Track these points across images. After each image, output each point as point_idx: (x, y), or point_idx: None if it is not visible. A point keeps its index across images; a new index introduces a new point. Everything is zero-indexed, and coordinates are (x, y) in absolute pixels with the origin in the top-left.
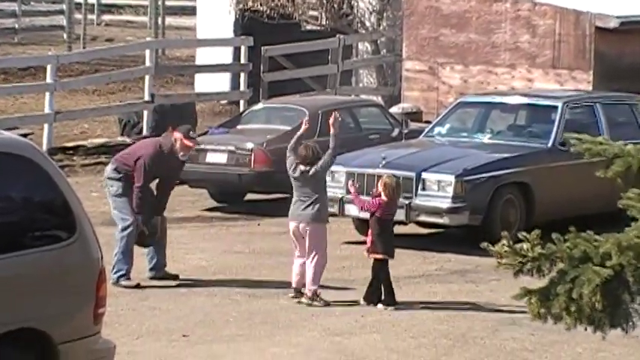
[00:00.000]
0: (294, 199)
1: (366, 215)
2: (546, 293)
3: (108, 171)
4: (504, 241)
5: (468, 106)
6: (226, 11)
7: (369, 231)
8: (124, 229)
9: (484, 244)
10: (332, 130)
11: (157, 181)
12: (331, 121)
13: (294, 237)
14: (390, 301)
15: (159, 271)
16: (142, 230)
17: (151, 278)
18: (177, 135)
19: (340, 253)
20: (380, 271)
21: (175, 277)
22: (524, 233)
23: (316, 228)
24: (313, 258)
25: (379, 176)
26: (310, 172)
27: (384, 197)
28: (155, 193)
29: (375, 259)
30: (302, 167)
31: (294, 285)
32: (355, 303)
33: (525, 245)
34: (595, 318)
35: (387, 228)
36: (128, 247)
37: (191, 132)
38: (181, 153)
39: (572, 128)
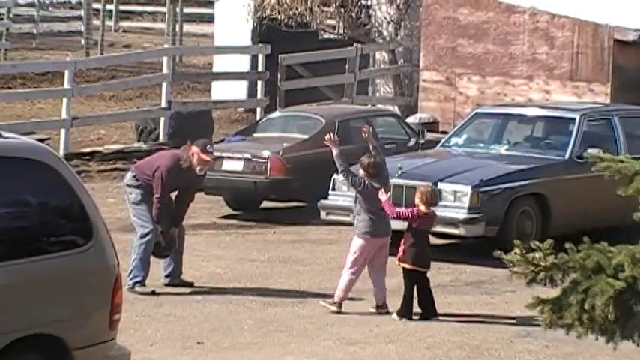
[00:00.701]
0: (367, 216)
1: (398, 226)
2: (559, 303)
3: (127, 178)
4: (517, 250)
5: (484, 117)
6: (244, 19)
7: (403, 240)
8: (143, 236)
9: (497, 253)
10: (370, 145)
11: (176, 191)
12: (365, 136)
13: (371, 252)
14: (406, 312)
15: (174, 279)
16: (158, 241)
17: (167, 285)
18: (195, 149)
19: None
20: (406, 280)
21: (190, 285)
22: (537, 242)
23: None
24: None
25: (396, 186)
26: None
27: (422, 208)
28: (174, 203)
29: (404, 269)
30: (375, 179)
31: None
32: (369, 312)
33: (538, 254)
34: (607, 328)
35: (421, 239)
36: (146, 255)
37: (208, 146)
38: (198, 167)
39: (589, 141)
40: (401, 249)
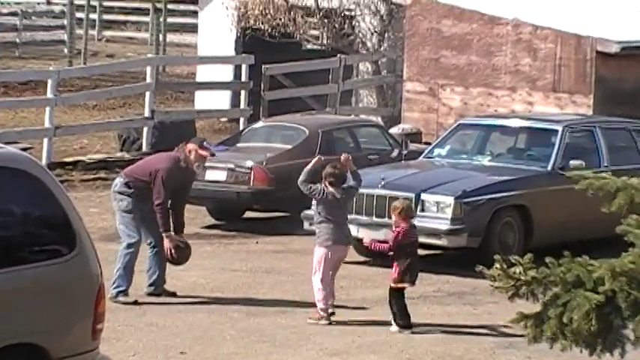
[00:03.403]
0: (333, 225)
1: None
2: (540, 317)
3: (117, 185)
4: (497, 265)
5: (467, 128)
6: (228, 29)
7: (395, 263)
8: (129, 246)
9: (479, 268)
10: (349, 170)
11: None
12: (343, 162)
13: (340, 262)
14: (408, 323)
15: (158, 287)
16: (176, 244)
17: (150, 294)
18: (192, 146)
19: (338, 273)
20: (400, 298)
21: (173, 295)
22: (517, 257)
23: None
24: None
25: (379, 197)
26: (346, 192)
27: (401, 224)
28: (171, 212)
29: (398, 289)
30: (337, 188)
31: (331, 307)
32: (353, 323)
33: (518, 269)
34: (589, 341)
35: (413, 255)
36: (130, 264)
37: (205, 142)
38: (196, 163)
39: (572, 152)
40: (395, 271)
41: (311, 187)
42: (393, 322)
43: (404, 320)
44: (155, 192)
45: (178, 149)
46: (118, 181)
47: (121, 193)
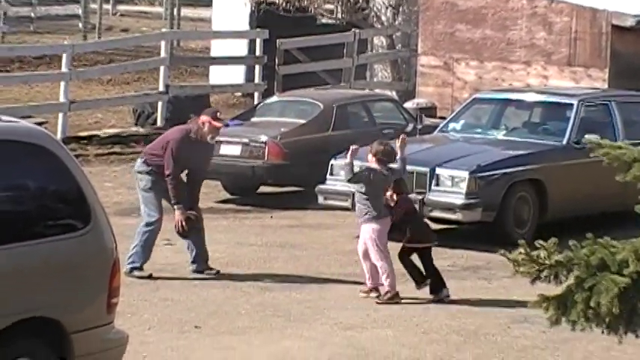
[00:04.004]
0: (375, 202)
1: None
2: (564, 301)
3: (137, 164)
4: (521, 249)
5: (482, 103)
6: (242, 3)
7: (408, 231)
8: (149, 224)
9: (500, 252)
10: (400, 152)
11: (186, 173)
12: (399, 144)
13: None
14: (441, 283)
15: (199, 265)
16: (187, 216)
17: (194, 271)
18: (205, 118)
19: (353, 247)
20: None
21: (217, 273)
22: (541, 241)
23: None
24: None
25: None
26: (392, 171)
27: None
28: (186, 185)
29: (416, 249)
30: (383, 166)
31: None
32: (366, 298)
33: (542, 253)
34: (612, 323)
35: (417, 213)
36: (148, 243)
37: (218, 113)
38: (210, 135)
39: (587, 126)
40: (413, 234)
41: (358, 177)
42: (442, 287)
43: (439, 282)
44: (165, 163)
45: (191, 121)
46: (138, 160)
47: (140, 172)
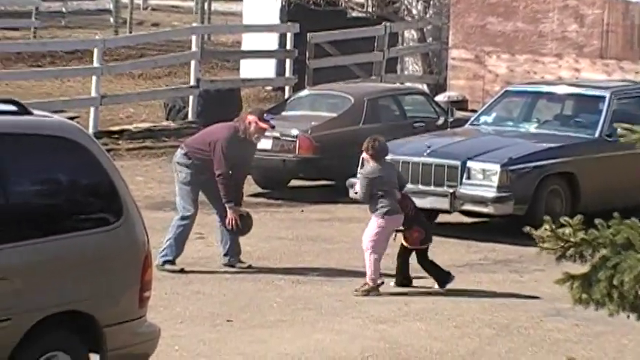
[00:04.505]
0: (390, 198)
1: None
2: (588, 279)
3: (178, 156)
4: (547, 226)
5: (514, 96)
6: None
7: (413, 229)
8: (183, 218)
9: (526, 228)
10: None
11: (231, 171)
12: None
13: (391, 231)
14: (445, 276)
15: (232, 258)
16: (241, 214)
17: (225, 265)
18: (252, 117)
19: None
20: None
21: (249, 267)
22: (567, 218)
23: None
24: None
25: (424, 164)
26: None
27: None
28: (232, 182)
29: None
30: (378, 161)
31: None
32: (398, 291)
33: (568, 230)
34: (637, 306)
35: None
36: (182, 237)
37: (265, 114)
38: (255, 135)
39: (619, 119)
40: (416, 234)
41: (367, 188)
42: (436, 282)
43: (443, 275)
44: (215, 162)
45: (238, 119)
46: (179, 152)
47: (180, 164)
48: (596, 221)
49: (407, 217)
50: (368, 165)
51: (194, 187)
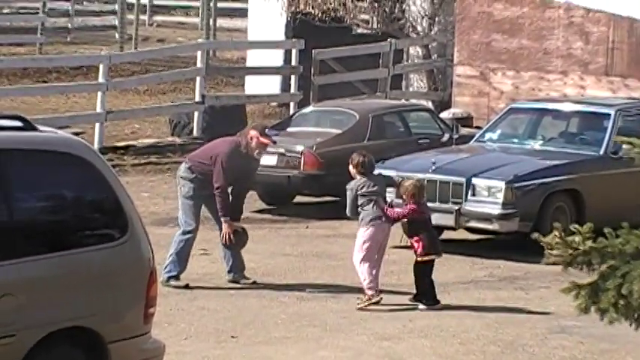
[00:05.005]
0: (374, 206)
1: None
2: (595, 288)
3: (181, 170)
4: (556, 233)
5: (519, 112)
6: (278, 14)
7: (416, 239)
8: (185, 232)
9: (535, 235)
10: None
11: (231, 186)
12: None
13: (380, 239)
14: (434, 300)
15: (236, 274)
16: (236, 229)
17: (230, 281)
18: (253, 133)
19: (389, 257)
20: (427, 274)
21: (254, 283)
22: (577, 226)
23: None
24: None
25: (429, 181)
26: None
27: (411, 204)
28: (230, 197)
29: (426, 262)
30: (366, 178)
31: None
32: (405, 307)
33: (577, 238)
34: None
35: (431, 227)
36: (184, 251)
37: (267, 129)
38: (257, 151)
39: (624, 136)
40: (420, 246)
41: (356, 206)
42: (419, 301)
43: (430, 300)
44: (215, 176)
45: (241, 134)
46: (182, 166)
47: (183, 177)
48: (606, 230)
49: (416, 223)
50: (354, 179)
51: (196, 201)
